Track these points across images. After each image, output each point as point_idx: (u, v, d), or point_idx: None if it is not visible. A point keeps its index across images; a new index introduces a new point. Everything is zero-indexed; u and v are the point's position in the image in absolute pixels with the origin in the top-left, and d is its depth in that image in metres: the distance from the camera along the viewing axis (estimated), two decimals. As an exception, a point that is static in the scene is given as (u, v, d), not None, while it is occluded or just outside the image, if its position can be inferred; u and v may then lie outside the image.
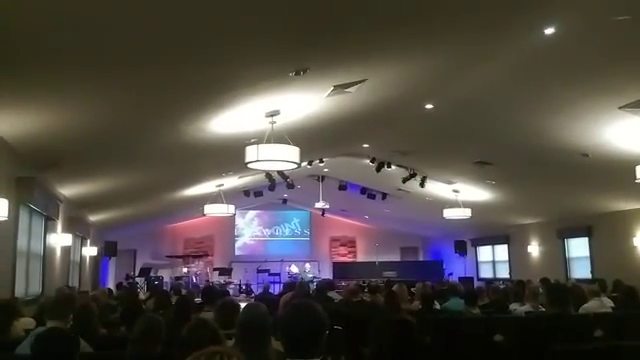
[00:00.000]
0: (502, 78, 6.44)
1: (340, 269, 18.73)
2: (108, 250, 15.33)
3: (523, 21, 5.06)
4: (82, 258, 12.40)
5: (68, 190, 9.42)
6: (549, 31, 5.12)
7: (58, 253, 9.61)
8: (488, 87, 6.75)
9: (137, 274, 16.87)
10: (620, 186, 9.39)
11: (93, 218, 12.97)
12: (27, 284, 7.65)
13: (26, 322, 4.92)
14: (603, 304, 6.25)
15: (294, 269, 17.97)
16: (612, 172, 8.60)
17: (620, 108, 6.43)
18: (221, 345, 2.39)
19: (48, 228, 8.73)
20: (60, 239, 9.61)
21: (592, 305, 6.11)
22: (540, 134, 8.04)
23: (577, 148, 8.14)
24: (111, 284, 15.22)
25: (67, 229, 10.03)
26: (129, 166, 8.76)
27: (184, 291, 9.32)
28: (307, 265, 18.03)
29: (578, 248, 13.24)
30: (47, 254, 8.70)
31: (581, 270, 12.89)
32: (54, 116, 5.53)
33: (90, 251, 13.12)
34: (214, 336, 2.64)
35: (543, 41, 5.30)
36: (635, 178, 6.97)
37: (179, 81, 5.20)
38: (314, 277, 17.43)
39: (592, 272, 12.30)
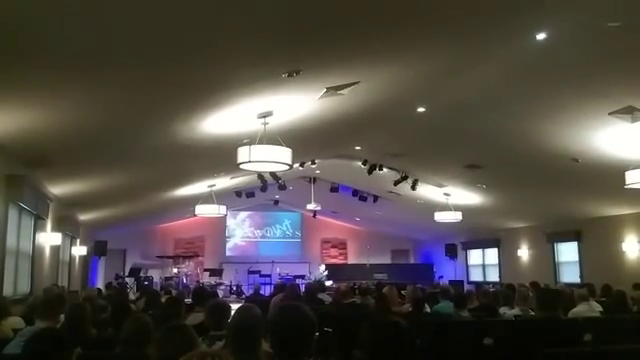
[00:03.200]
0: (494, 82, 6.47)
1: (331, 271, 18.72)
2: (98, 249, 15.24)
3: (515, 26, 5.10)
4: (71, 257, 12.32)
5: (58, 189, 9.36)
6: (541, 36, 5.16)
7: (47, 252, 9.54)
8: (480, 91, 6.79)
9: (127, 274, 16.78)
10: (609, 191, 9.47)
11: (83, 217, 12.89)
12: (15, 283, 7.58)
13: (14, 321, 4.89)
14: (592, 308, 6.29)
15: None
16: (602, 177, 8.67)
17: (610, 114, 6.48)
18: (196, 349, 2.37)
19: (37, 227, 8.67)
20: (49, 238, 9.54)
21: (581, 309, 6.15)
22: (531, 138, 8.09)
23: (567, 153, 8.20)
24: (100, 284, 15.13)
25: (57, 228, 9.96)
26: (120, 165, 8.72)
27: (174, 291, 9.28)
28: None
29: (567, 252, 13.34)
30: (36, 253, 8.64)
31: (570, 274, 12.97)
32: (45, 114, 5.49)
33: (80, 250, 13.04)
34: (189, 340, 2.61)
35: (535, 46, 5.33)
36: (624, 183, 7.03)
37: (171, 80, 5.18)
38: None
39: (581, 276, 12.39)
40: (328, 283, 12.98)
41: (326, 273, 17.29)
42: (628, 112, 6.35)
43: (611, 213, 11.55)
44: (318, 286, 9.27)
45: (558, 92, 6.41)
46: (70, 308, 4.12)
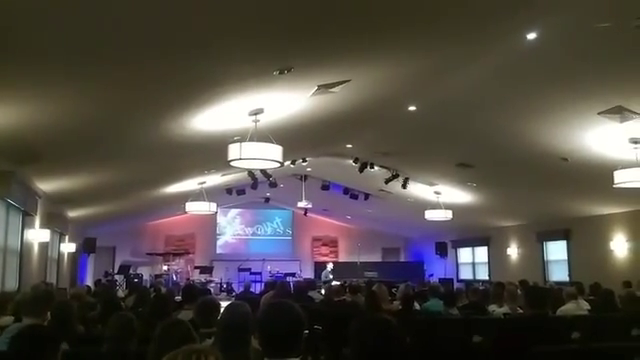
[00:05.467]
0: (485, 81, 6.50)
1: (322, 269, 18.72)
2: (87, 246, 15.14)
3: (506, 25, 5.12)
4: (60, 254, 12.24)
5: (47, 185, 9.29)
6: (531, 36, 5.19)
7: (36, 249, 9.47)
8: (471, 90, 6.81)
9: (116, 271, 16.69)
10: (598, 191, 9.54)
11: (72, 214, 12.80)
12: (3, 280, 7.53)
13: (4, 320, 4.84)
14: (580, 307, 6.35)
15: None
16: (591, 177, 8.73)
17: (599, 114, 6.53)
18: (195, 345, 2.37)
19: (26, 223, 8.60)
20: (38, 235, 9.47)
21: (569, 307, 6.20)
22: (521, 137, 8.13)
23: (557, 152, 8.25)
24: (90, 281, 15.04)
25: (45, 225, 9.89)
26: (110, 162, 8.66)
27: (163, 289, 9.24)
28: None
29: (556, 251, 13.44)
30: (24, 250, 8.58)
31: (559, 273, 13.07)
32: (35, 110, 5.44)
33: (68, 247, 12.95)
34: (187, 335, 2.61)
35: (525, 46, 5.36)
36: (613, 183, 7.08)
37: (162, 77, 5.15)
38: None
39: (570, 275, 12.48)
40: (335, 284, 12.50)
41: (332, 276, 16.73)
42: (617, 112, 6.40)
43: (600, 212, 11.64)
44: (308, 284, 9.27)
45: (548, 92, 6.44)
46: (56, 305, 4.10)
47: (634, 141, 7.04)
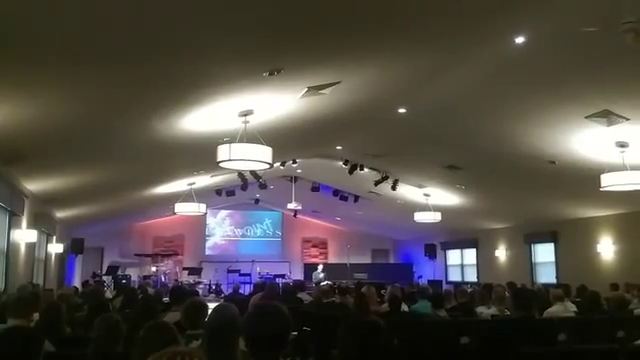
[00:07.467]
0: (474, 84, 6.53)
1: (311, 270, 18.69)
2: (75, 247, 15.03)
3: (494, 29, 5.15)
4: (47, 255, 12.13)
5: (34, 185, 9.21)
6: (520, 40, 5.22)
7: (22, 249, 9.37)
8: (460, 93, 6.85)
9: (104, 272, 16.58)
10: (585, 193, 9.62)
11: (60, 214, 12.70)
12: (-11, 281, 7.46)
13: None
14: (567, 308, 6.40)
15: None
16: (578, 180, 8.81)
17: (587, 117, 6.59)
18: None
19: (12, 224, 8.52)
20: (25, 235, 9.37)
21: (556, 309, 6.24)
22: (509, 140, 8.18)
23: (544, 155, 8.31)
24: (77, 282, 14.93)
25: (32, 225, 9.80)
26: (98, 162, 8.60)
27: (151, 290, 9.19)
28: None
29: (544, 253, 13.53)
30: (11, 250, 8.49)
31: (546, 275, 13.15)
32: (21, 109, 5.40)
33: (56, 248, 12.84)
34: (171, 338, 2.60)
35: (514, 49, 5.40)
36: (600, 186, 7.15)
37: (151, 77, 5.13)
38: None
39: (557, 277, 12.57)
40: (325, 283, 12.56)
41: (323, 275, 16.77)
42: (604, 116, 6.46)
43: (587, 215, 11.73)
44: (297, 285, 9.26)
45: (536, 95, 6.49)
46: (45, 307, 4.07)
47: (620, 144, 7.11)
